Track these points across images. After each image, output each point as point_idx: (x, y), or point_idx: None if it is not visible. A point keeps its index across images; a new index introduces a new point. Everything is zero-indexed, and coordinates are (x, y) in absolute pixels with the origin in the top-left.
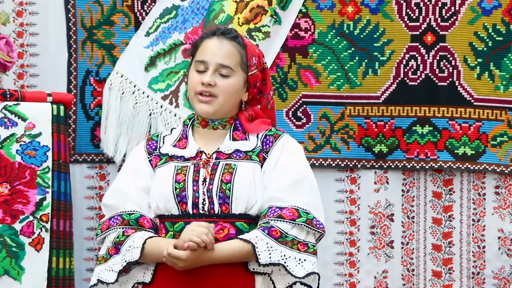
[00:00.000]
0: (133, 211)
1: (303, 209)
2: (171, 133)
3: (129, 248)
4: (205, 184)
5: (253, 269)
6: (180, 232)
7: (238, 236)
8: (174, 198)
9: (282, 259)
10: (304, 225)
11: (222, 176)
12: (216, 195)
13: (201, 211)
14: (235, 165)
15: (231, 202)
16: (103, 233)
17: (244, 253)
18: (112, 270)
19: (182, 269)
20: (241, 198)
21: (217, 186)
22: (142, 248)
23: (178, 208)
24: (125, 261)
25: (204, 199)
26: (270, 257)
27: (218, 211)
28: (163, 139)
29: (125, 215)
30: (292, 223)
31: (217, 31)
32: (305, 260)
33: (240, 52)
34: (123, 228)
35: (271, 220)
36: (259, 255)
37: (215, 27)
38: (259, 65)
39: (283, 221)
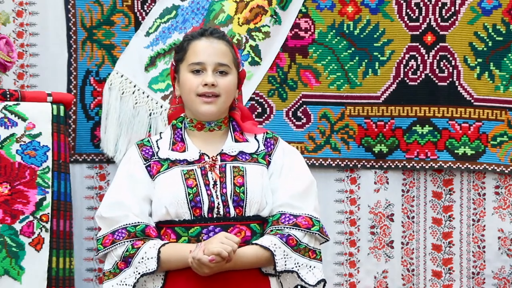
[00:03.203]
0: (138, 222)
1: (315, 217)
2: (161, 137)
3: (141, 260)
4: (216, 188)
5: (266, 271)
6: (196, 237)
7: (257, 242)
8: (188, 203)
9: (296, 267)
10: (318, 234)
11: (234, 179)
12: (231, 199)
13: (216, 215)
14: (243, 167)
15: (245, 205)
16: (107, 248)
17: (263, 260)
18: (126, 284)
19: (206, 274)
20: (255, 201)
21: (231, 190)
22: (157, 258)
23: (190, 213)
24: (139, 274)
25: (219, 203)
26: (285, 265)
27: (234, 214)
28: (157, 143)
29: (130, 227)
30: (306, 231)
31: (204, 31)
32: (314, 267)
33: (230, 50)
34: (131, 241)
35: (286, 227)
36: (277, 262)
37: (200, 28)
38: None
39: (299, 229)
